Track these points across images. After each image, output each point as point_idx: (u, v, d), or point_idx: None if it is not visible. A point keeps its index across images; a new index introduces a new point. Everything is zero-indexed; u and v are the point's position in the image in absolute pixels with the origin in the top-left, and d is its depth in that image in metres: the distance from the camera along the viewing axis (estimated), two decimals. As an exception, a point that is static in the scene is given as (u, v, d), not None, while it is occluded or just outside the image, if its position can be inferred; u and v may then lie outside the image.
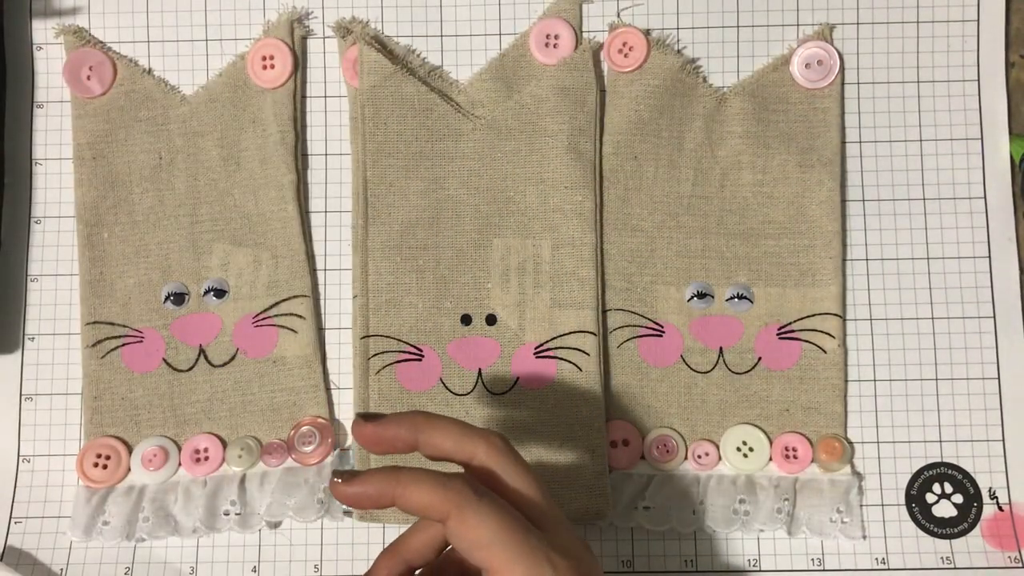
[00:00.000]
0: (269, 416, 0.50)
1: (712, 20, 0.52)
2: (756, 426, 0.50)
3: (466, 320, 0.50)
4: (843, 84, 0.52)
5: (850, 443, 0.50)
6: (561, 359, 0.49)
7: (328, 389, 0.51)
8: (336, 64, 0.52)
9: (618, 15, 0.52)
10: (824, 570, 0.49)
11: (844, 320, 0.50)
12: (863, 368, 0.50)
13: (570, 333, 0.50)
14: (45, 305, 0.52)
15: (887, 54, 0.52)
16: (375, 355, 0.50)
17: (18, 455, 0.51)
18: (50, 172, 0.53)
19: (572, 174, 0.50)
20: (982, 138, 0.52)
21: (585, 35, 0.52)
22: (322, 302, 0.51)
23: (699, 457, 0.49)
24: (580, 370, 0.49)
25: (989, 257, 0.51)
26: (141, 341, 0.51)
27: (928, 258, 0.51)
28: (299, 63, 0.52)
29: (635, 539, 0.49)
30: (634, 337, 0.50)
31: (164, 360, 0.51)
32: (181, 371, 0.51)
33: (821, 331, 0.50)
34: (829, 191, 0.50)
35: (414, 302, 0.50)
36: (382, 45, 0.52)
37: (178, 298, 0.51)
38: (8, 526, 0.50)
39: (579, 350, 0.49)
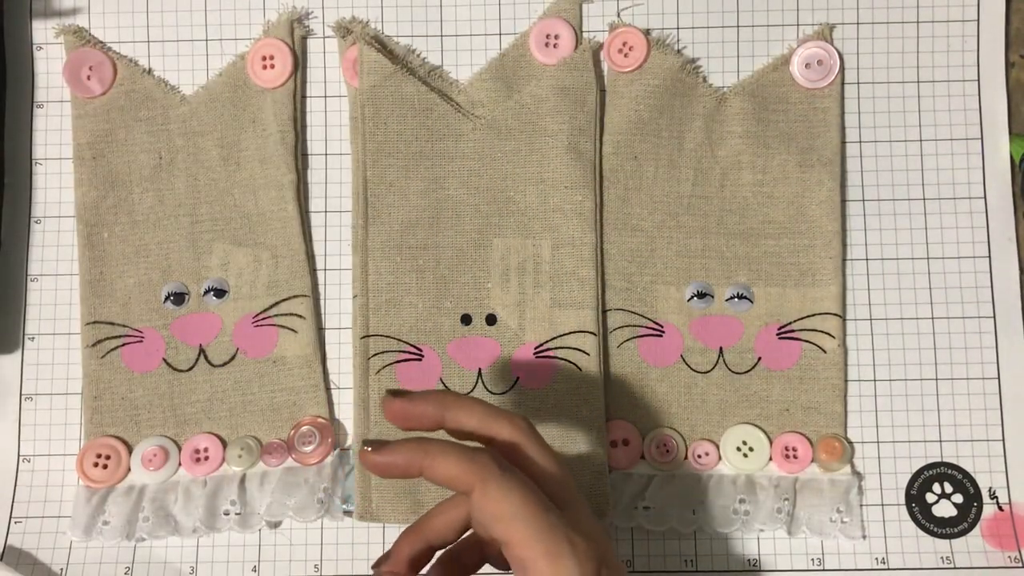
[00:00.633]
0: (269, 416, 0.50)
1: (712, 20, 0.52)
2: (756, 426, 0.50)
3: (466, 320, 0.50)
4: (843, 84, 0.52)
5: (850, 443, 0.50)
6: (561, 359, 0.49)
7: (328, 389, 0.51)
8: (336, 64, 0.52)
9: (618, 15, 0.52)
10: (824, 570, 0.49)
11: (844, 320, 0.50)
12: (863, 368, 0.50)
13: (570, 333, 0.50)
14: (45, 305, 0.52)
15: (887, 54, 0.52)
16: (375, 355, 0.49)
17: (18, 455, 0.51)
18: (50, 172, 0.53)
19: (572, 174, 0.50)
20: (982, 138, 0.52)
21: (585, 35, 0.52)
22: (322, 302, 0.51)
23: (699, 457, 0.49)
24: (580, 370, 0.49)
25: (989, 257, 0.51)
26: (141, 341, 0.51)
27: (928, 258, 0.51)
28: (299, 63, 0.52)
29: (635, 539, 0.49)
30: (634, 337, 0.50)
31: (164, 360, 0.51)
32: (181, 371, 0.51)
33: (821, 331, 0.50)
34: (829, 191, 0.50)
35: (414, 302, 0.50)
36: (382, 45, 0.52)
37: (178, 298, 0.51)
38: (8, 526, 0.50)
39: (579, 350, 0.49)
